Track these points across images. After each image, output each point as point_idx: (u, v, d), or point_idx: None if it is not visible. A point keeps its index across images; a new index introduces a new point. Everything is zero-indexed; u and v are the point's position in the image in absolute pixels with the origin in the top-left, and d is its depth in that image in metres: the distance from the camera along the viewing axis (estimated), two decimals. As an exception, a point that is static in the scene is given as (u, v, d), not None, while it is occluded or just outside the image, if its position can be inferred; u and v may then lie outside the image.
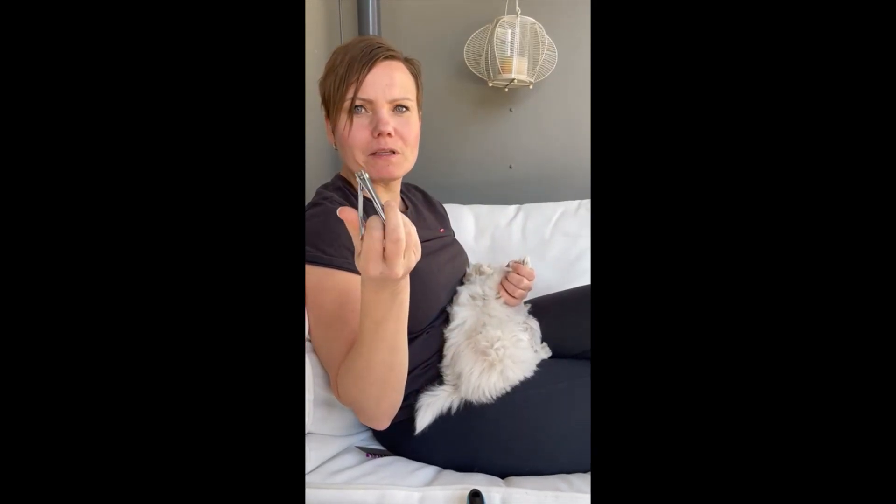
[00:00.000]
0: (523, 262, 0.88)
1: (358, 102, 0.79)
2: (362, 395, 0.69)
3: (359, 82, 0.78)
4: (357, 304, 0.73)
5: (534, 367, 0.81)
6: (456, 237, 1.06)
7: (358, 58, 0.79)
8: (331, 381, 0.75)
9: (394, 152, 0.82)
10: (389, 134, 0.80)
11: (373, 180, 0.81)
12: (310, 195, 0.89)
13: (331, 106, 0.82)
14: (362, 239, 0.54)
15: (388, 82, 0.80)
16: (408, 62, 0.85)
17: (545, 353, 0.86)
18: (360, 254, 0.55)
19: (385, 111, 0.80)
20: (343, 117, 0.80)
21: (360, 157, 0.82)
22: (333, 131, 0.84)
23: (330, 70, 0.82)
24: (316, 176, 1.43)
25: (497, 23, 1.28)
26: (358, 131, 0.80)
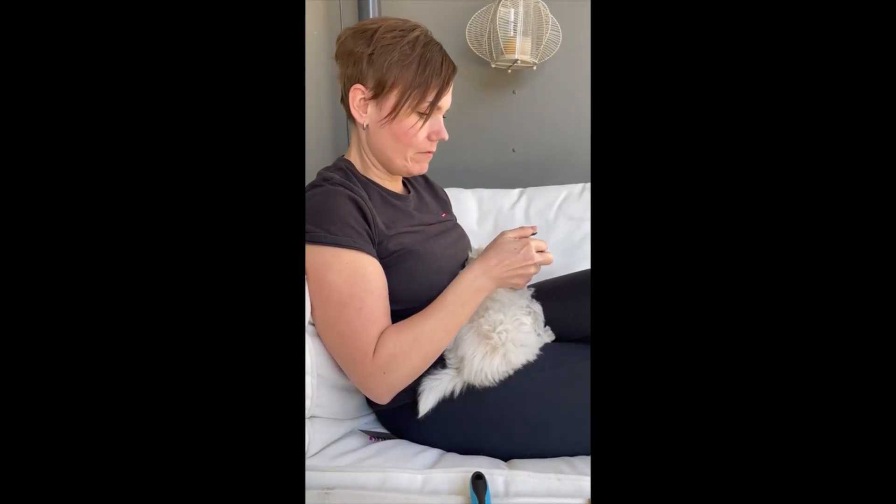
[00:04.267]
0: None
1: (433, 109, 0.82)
2: (406, 360, 0.74)
3: (442, 91, 0.81)
4: (367, 283, 0.75)
5: (536, 351, 0.80)
6: (458, 221, 1.05)
7: (440, 65, 0.80)
8: (347, 357, 0.75)
9: (430, 151, 0.87)
10: (443, 139, 0.85)
11: (409, 174, 0.90)
12: (310, 179, 0.88)
13: (393, 95, 0.80)
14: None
15: (450, 93, 0.85)
16: None
17: (548, 336, 0.85)
18: (525, 272, 0.77)
19: (441, 119, 0.85)
20: (411, 115, 0.81)
21: (411, 154, 0.85)
22: (390, 121, 0.81)
23: (403, 59, 0.78)
24: (316, 157, 1.42)
25: (500, 2, 1.26)
26: (423, 132, 0.83)
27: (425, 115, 0.82)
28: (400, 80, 0.79)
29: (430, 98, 0.81)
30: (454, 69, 0.84)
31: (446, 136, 0.85)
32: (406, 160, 0.85)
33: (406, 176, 0.93)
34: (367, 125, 0.84)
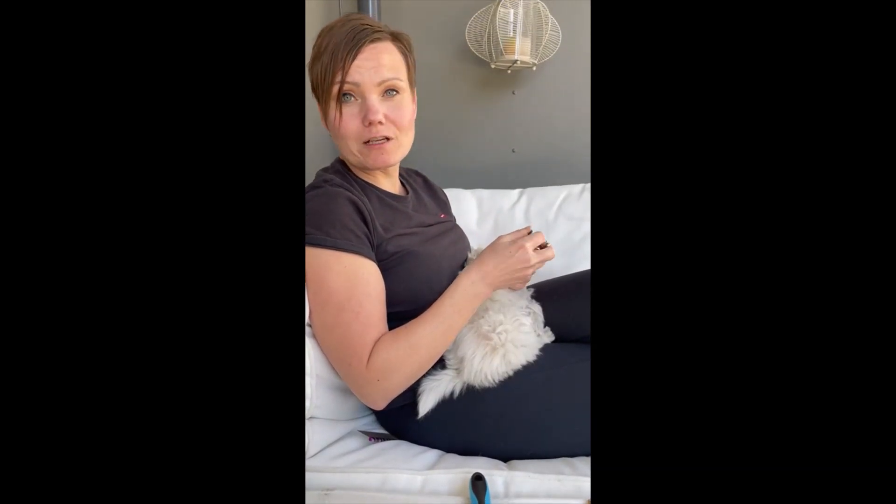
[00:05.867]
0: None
1: (345, 90, 0.77)
2: (402, 367, 0.73)
3: (344, 70, 0.76)
4: (366, 286, 0.74)
5: (536, 352, 0.80)
6: (458, 222, 1.05)
7: (342, 44, 0.76)
8: (343, 361, 0.75)
9: (387, 139, 0.80)
10: (380, 122, 0.78)
11: (368, 169, 0.83)
12: (308, 180, 0.88)
13: (320, 94, 0.80)
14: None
15: (375, 66, 0.77)
16: (396, 39, 0.81)
17: (548, 337, 0.85)
18: (523, 274, 0.77)
19: (374, 98, 0.78)
20: (332, 106, 0.78)
21: (354, 147, 0.81)
22: (325, 120, 0.82)
23: (316, 56, 0.79)
24: (316, 161, 1.42)
25: (499, 2, 1.26)
26: (348, 121, 0.78)
27: (339, 100, 0.77)
28: (315, 77, 0.79)
29: (338, 80, 0.76)
30: (363, 40, 0.76)
31: (374, 117, 0.77)
32: (354, 154, 0.81)
33: (373, 169, 0.85)
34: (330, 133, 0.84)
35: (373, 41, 0.77)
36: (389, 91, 0.80)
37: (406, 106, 0.82)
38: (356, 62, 0.76)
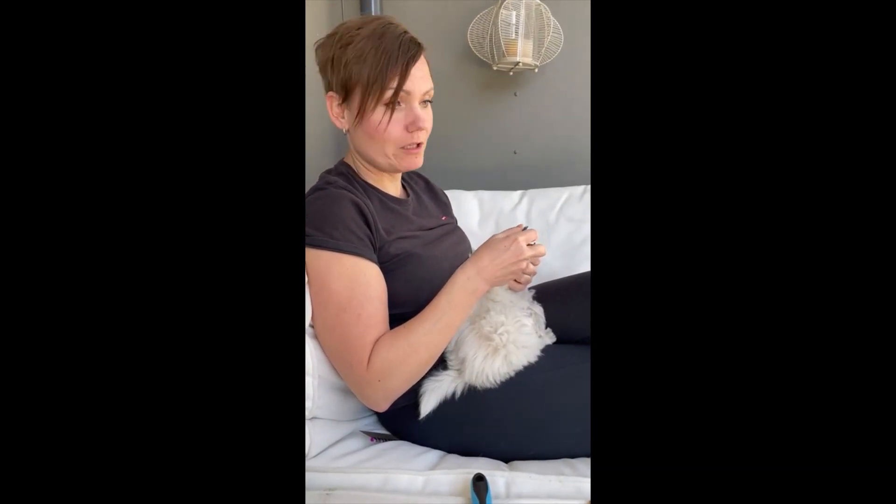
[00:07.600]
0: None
1: (399, 98, 0.79)
2: (402, 367, 0.73)
3: (402, 78, 0.77)
4: (367, 288, 0.75)
5: (538, 353, 0.80)
6: (459, 223, 1.05)
7: (397, 50, 0.77)
8: (344, 363, 0.75)
9: (418, 144, 0.83)
10: (422, 128, 0.81)
11: (396, 171, 0.86)
12: (311, 181, 0.88)
13: (363, 94, 0.78)
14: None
15: (423, 76, 0.81)
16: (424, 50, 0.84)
17: (549, 338, 0.85)
18: (518, 268, 0.77)
19: (418, 106, 0.81)
20: (380, 110, 0.79)
21: (391, 150, 0.82)
22: (360, 121, 0.80)
23: (359, 56, 0.77)
24: (317, 162, 1.43)
25: (502, 4, 1.26)
26: (394, 126, 0.80)
27: (391, 106, 0.79)
28: (359, 78, 0.78)
29: (392, 87, 0.77)
30: (417, 50, 0.79)
31: (423, 125, 0.81)
32: (388, 157, 0.82)
33: (398, 172, 0.88)
34: (348, 130, 0.84)
35: (420, 51, 0.81)
36: (426, 100, 0.83)
37: (432, 113, 0.85)
38: (412, 71, 0.79)
